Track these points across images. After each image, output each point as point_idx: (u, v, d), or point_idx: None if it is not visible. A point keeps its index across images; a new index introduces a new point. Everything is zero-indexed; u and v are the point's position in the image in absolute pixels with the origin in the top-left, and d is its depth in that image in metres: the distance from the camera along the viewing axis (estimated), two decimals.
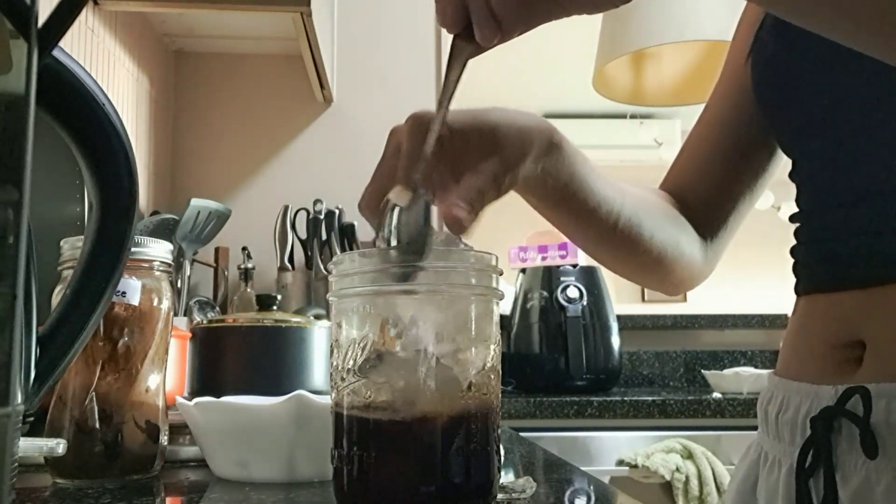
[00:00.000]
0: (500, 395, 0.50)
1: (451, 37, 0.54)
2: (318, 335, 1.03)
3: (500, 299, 0.51)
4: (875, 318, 0.55)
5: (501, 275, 0.51)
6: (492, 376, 0.49)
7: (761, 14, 0.71)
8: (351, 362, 0.48)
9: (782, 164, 0.75)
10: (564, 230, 0.67)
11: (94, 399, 0.63)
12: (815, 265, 0.63)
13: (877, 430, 0.51)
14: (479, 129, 0.56)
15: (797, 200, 0.66)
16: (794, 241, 0.66)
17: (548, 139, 0.58)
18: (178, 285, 1.56)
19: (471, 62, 0.54)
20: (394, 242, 0.49)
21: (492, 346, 0.49)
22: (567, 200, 0.61)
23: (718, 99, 0.78)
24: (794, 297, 0.66)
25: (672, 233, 0.71)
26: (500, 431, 0.50)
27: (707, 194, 0.76)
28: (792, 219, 0.66)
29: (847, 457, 0.53)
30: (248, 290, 1.68)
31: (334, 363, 0.49)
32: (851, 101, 0.58)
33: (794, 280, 0.66)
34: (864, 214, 0.57)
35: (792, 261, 0.67)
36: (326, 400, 0.60)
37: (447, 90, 0.53)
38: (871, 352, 0.55)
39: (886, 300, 0.54)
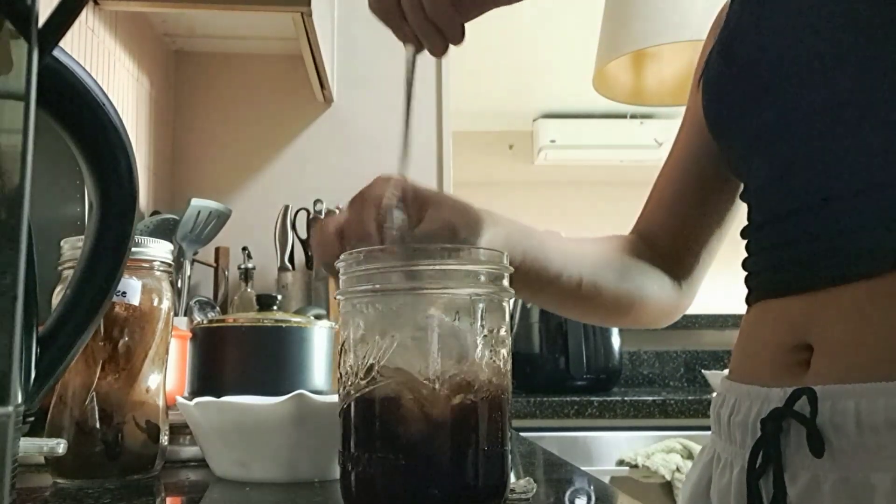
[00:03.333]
0: (511, 396, 0.50)
1: None
2: (318, 335, 1.03)
3: (511, 298, 0.51)
4: (821, 322, 0.56)
5: (512, 273, 0.51)
6: (503, 376, 0.49)
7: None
8: (359, 362, 0.47)
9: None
10: (528, 298, 0.72)
11: (95, 399, 0.63)
12: (765, 273, 0.64)
13: (823, 431, 0.52)
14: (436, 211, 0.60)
15: (748, 217, 0.68)
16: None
17: (486, 221, 0.63)
18: (179, 285, 1.56)
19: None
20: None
21: (503, 346, 0.49)
22: (524, 275, 0.66)
23: (682, 140, 0.81)
24: None
25: (636, 282, 0.77)
26: (511, 432, 0.50)
27: (675, 236, 0.81)
28: (742, 234, 0.68)
29: (795, 457, 0.55)
30: (249, 290, 1.68)
31: (342, 363, 0.49)
32: (798, 113, 0.60)
33: None
34: (809, 222, 0.58)
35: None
36: (326, 400, 0.60)
37: (407, 98, 0.59)
38: (818, 354, 0.56)
39: (832, 303, 0.56)
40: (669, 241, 0.81)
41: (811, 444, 0.52)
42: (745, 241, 0.68)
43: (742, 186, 0.70)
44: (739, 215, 0.79)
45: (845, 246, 0.55)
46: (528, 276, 0.67)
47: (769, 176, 0.63)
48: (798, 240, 0.59)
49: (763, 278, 0.64)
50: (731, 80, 0.67)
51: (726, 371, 2.09)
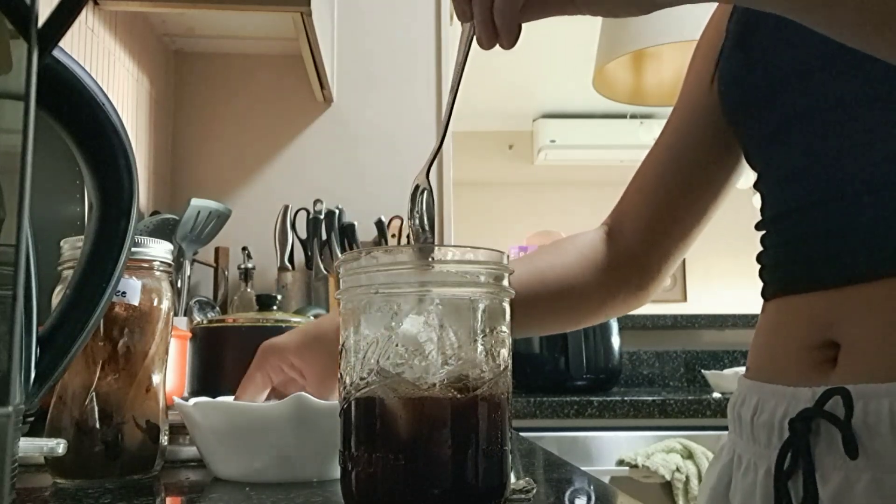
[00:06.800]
0: (511, 396, 0.50)
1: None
2: None
3: (512, 298, 0.51)
4: (849, 319, 0.55)
5: (512, 274, 0.51)
6: (504, 376, 0.49)
7: (721, 34, 0.71)
8: (359, 362, 0.47)
9: (725, 201, 0.77)
10: None
11: (94, 399, 0.63)
12: (785, 268, 0.63)
13: (855, 431, 0.51)
14: None
15: (762, 209, 0.67)
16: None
17: None
18: (179, 285, 1.56)
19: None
20: (424, 224, 0.54)
21: (503, 346, 0.49)
22: None
23: (673, 125, 0.80)
24: None
25: (595, 297, 0.79)
26: (512, 432, 0.50)
27: (649, 226, 0.78)
28: (758, 226, 0.67)
29: (826, 458, 0.54)
30: (248, 290, 1.68)
31: (342, 363, 0.49)
32: (820, 106, 0.58)
33: None
34: (834, 216, 0.57)
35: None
36: (326, 400, 0.60)
37: (458, 70, 0.57)
38: (845, 352, 0.55)
39: (859, 300, 0.55)
40: (641, 233, 0.78)
41: (846, 446, 0.51)
42: (760, 234, 0.66)
43: (756, 177, 0.68)
44: (713, 217, 0.79)
45: (874, 241, 0.54)
46: None
47: (793, 167, 0.61)
48: (823, 233, 0.58)
49: (783, 273, 0.63)
50: (751, 70, 0.65)
51: (726, 371, 2.07)
